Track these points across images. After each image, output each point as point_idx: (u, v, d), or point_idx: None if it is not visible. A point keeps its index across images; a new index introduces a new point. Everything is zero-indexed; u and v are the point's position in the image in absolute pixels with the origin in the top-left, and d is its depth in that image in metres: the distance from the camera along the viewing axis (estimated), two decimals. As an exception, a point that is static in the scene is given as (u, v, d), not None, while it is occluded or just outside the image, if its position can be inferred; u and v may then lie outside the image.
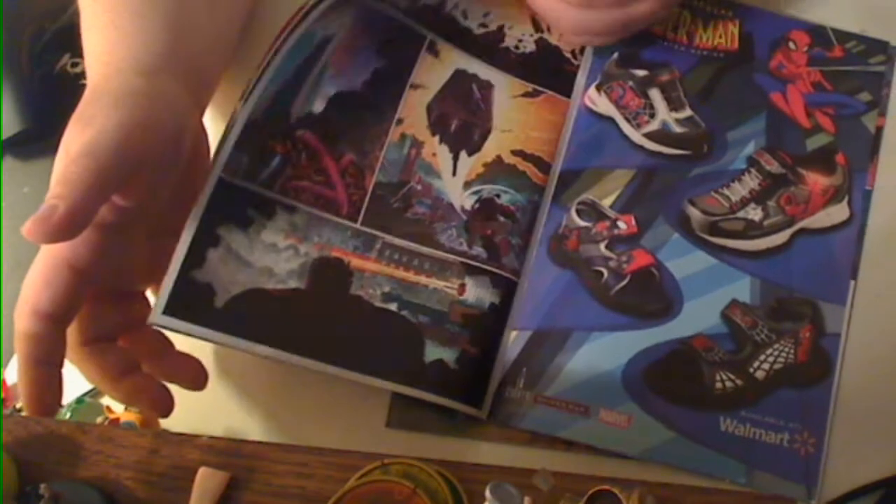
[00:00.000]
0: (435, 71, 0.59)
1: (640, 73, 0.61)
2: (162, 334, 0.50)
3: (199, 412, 0.49)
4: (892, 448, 0.50)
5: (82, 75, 0.65)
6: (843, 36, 0.61)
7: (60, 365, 0.46)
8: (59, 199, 0.41)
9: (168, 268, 0.47)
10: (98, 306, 0.48)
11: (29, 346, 0.45)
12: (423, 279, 0.54)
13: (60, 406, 0.46)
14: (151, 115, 0.46)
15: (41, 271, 0.45)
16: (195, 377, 0.50)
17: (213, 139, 0.53)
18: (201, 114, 0.53)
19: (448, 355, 0.52)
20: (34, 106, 0.65)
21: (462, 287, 0.54)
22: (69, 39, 0.66)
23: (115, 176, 0.43)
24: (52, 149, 0.62)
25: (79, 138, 0.44)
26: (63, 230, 0.41)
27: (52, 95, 0.66)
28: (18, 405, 0.53)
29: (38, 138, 0.64)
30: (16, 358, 0.45)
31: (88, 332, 0.48)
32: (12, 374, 0.55)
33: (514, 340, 0.54)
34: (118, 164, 0.43)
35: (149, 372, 0.50)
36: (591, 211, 0.57)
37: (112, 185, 0.44)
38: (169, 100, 0.48)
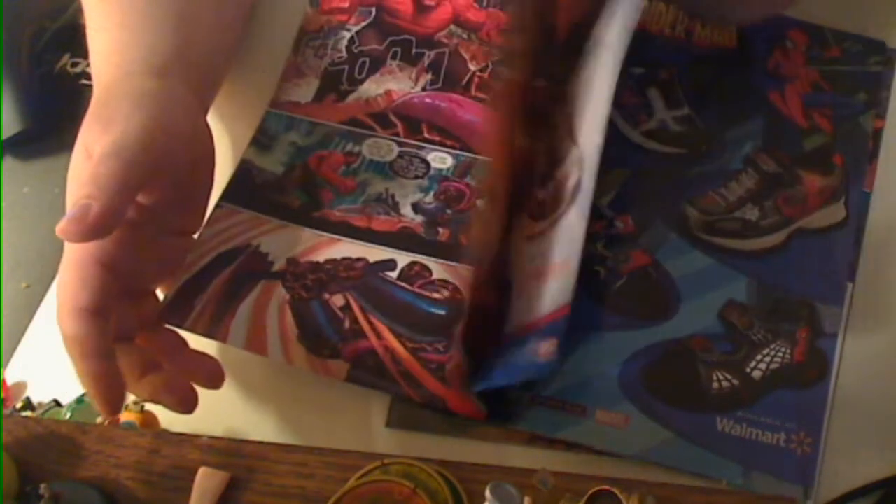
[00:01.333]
0: None
1: (638, 70, 0.61)
2: (176, 333, 0.51)
3: (199, 412, 0.49)
4: (889, 449, 0.50)
5: (82, 75, 0.65)
6: (841, 36, 0.61)
7: (114, 356, 0.46)
8: (91, 199, 0.42)
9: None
10: (117, 305, 0.48)
11: (80, 345, 0.45)
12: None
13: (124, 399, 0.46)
14: (168, 117, 0.47)
15: (73, 273, 0.46)
16: (211, 375, 0.50)
17: (217, 138, 0.53)
18: (205, 114, 0.54)
19: (447, 355, 0.52)
20: (34, 106, 0.64)
21: (462, 286, 0.54)
22: (69, 39, 0.66)
23: (140, 175, 0.45)
24: (52, 149, 0.63)
25: (101, 139, 0.45)
26: (98, 228, 0.43)
27: (52, 95, 0.65)
28: (19, 405, 0.53)
29: (38, 138, 0.64)
30: (70, 365, 0.45)
31: None
32: (12, 374, 0.56)
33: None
34: (143, 163, 0.45)
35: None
36: (589, 210, 0.57)
37: (138, 184, 0.45)
38: (180, 101, 0.49)
